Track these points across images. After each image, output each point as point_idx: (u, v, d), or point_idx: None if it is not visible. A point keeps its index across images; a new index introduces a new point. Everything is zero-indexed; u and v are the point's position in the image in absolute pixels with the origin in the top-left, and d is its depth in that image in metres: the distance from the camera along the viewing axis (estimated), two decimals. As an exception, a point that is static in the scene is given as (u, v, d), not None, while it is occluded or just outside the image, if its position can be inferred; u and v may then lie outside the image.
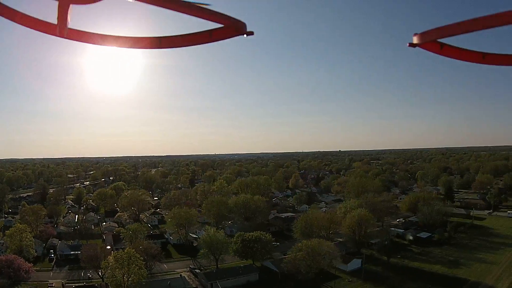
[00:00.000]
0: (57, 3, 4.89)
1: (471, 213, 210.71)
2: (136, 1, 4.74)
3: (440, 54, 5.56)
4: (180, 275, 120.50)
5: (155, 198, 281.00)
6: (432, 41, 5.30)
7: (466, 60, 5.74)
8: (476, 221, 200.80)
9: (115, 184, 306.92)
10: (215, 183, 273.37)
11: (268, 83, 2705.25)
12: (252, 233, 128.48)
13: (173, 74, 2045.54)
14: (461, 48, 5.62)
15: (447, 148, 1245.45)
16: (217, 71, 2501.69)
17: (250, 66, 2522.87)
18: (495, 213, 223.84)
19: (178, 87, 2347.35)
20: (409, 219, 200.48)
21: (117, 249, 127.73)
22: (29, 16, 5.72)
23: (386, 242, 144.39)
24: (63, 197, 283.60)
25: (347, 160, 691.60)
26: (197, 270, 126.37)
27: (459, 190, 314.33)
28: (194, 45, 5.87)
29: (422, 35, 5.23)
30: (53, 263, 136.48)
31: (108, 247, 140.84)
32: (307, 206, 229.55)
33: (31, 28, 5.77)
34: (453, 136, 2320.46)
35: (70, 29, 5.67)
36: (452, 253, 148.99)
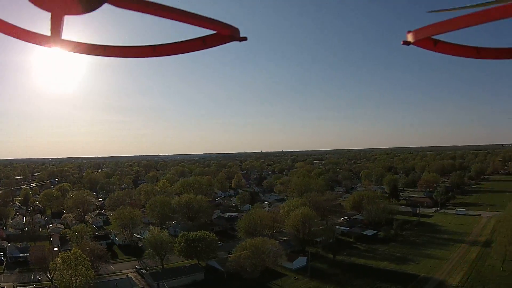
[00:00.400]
0: (49, 14, 5.07)
1: (418, 211, 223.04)
2: (129, 10, 5.04)
3: (434, 50, 5.81)
4: (127, 275, 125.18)
5: (99, 199, 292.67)
6: (426, 38, 5.53)
7: (460, 56, 5.97)
8: (423, 218, 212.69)
9: (60, 185, 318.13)
10: (158, 183, 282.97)
11: (210, 85, 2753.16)
12: (195, 233, 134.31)
13: (116, 74, 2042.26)
14: (455, 44, 5.91)
15: (391, 148, 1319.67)
16: (158, 71, 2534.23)
17: (192, 67, 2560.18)
18: (442, 210, 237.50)
19: (122, 87, 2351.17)
20: (354, 217, 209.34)
21: (64, 250, 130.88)
22: (21, 28, 5.88)
23: (331, 240, 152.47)
24: (11, 199, 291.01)
25: (290, 160, 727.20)
26: (143, 271, 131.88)
27: (404, 188, 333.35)
28: (188, 52, 6.14)
29: (416, 33, 5.48)
30: (3, 266, 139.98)
31: (56, 248, 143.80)
32: (250, 205, 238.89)
33: (23, 40, 5.92)
34: (398, 137, 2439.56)
35: (64, 40, 5.80)
36: (399, 250, 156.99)
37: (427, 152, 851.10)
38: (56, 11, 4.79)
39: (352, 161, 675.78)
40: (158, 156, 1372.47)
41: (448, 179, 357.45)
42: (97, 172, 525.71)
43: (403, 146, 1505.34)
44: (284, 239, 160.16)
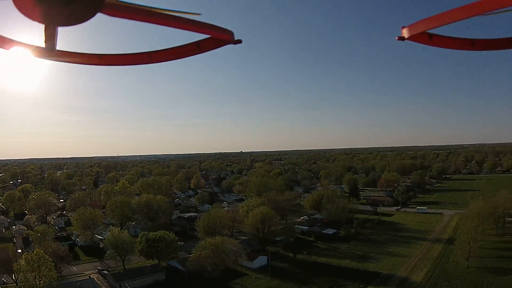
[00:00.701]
0: (43, 26, 4.95)
1: (378, 210, 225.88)
2: (123, 19, 4.98)
3: (429, 44, 5.85)
4: (89, 276, 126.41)
5: (61, 200, 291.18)
6: (421, 33, 5.53)
7: (455, 48, 6.05)
8: (384, 217, 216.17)
9: (22, 186, 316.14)
10: (118, 184, 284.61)
11: (168, 85, 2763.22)
12: (156, 233, 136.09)
13: (77, 74, 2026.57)
14: (450, 37, 5.96)
15: (351, 149, 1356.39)
16: (117, 72, 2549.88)
17: (150, 68, 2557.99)
18: (403, 209, 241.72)
19: (82, 88, 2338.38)
20: (314, 216, 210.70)
21: (27, 251, 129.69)
22: (15, 40, 5.84)
23: (291, 239, 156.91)
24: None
25: (249, 160, 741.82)
26: (105, 272, 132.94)
27: (364, 188, 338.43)
28: (184, 57, 6.18)
29: (411, 28, 5.49)
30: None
31: (19, 250, 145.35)
32: (209, 205, 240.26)
33: (18, 52, 5.83)
34: (358, 138, 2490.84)
35: (59, 50, 5.75)
36: (361, 248, 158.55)
37: (388, 153, 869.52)
38: (49, 22, 4.87)
39: (312, 161, 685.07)
40: (118, 157, 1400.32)
41: (409, 178, 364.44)
42: (59, 173, 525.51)
43: (363, 147, 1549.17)
44: (244, 239, 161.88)
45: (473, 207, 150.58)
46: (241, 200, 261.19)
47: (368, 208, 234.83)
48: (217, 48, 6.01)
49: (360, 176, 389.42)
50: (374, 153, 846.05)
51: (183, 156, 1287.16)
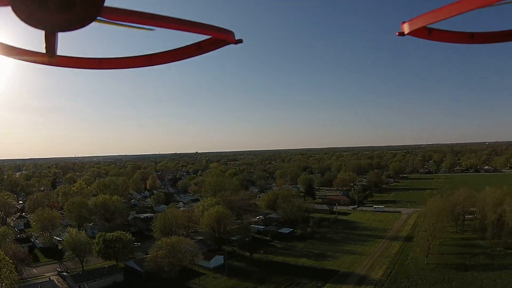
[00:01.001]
0: (43, 32, 5.09)
1: (334, 209, 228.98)
2: (122, 23, 5.15)
3: (429, 39, 5.94)
4: (49, 278, 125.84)
5: (20, 202, 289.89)
6: (421, 28, 5.60)
7: (455, 42, 6.11)
8: (341, 216, 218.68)
9: None
10: (75, 184, 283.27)
11: (125, 85, 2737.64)
12: (112, 233, 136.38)
13: (35, 73, 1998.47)
14: (449, 31, 6.04)
15: (307, 149, 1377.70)
16: (75, 71, 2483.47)
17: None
18: (360, 208, 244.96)
19: (40, 88, 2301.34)
20: (269, 216, 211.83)
21: None
22: (16, 47, 5.93)
23: (248, 239, 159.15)
24: None
25: (204, 161, 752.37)
26: (64, 273, 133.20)
27: (320, 188, 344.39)
28: (184, 59, 6.25)
29: (411, 23, 5.60)
30: None
31: None
32: (165, 206, 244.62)
33: (19, 59, 5.99)
34: (313, 138, 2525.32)
35: (59, 56, 5.93)
36: (318, 247, 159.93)
37: (343, 153, 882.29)
38: (49, 28, 4.99)
39: (267, 162, 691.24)
40: (76, 157, 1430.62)
41: (365, 178, 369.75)
42: (17, 174, 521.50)
43: (319, 147, 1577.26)
44: (200, 239, 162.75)
45: (431, 205, 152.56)
46: (197, 200, 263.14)
47: (324, 207, 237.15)
48: (218, 48, 6.06)
49: (315, 176, 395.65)
50: (330, 154, 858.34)
51: (139, 157, 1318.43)
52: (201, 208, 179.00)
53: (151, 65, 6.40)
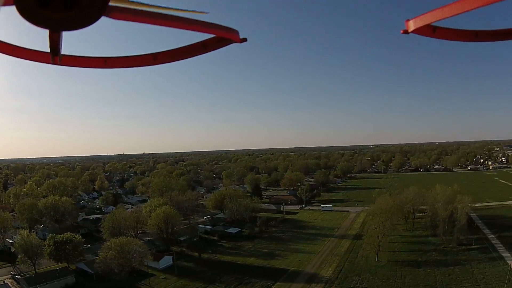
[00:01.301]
0: (47, 31, 4.87)
1: (282, 208, 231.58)
2: (125, 20, 5.03)
3: (433, 37, 5.84)
4: (4, 282, 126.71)
5: None
6: (425, 26, 5.51)
7: (459, 40, 6.02)
8: (288, 215, 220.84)
9: None
10: (26, 186, 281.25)
11: (75, 85, 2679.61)
12: (62, 235, 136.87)
13: None
14: (453, 29, 5.94)
15: (253, 150, 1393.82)
16: (26, 70, 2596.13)
17: (57, 68, 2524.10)
18: (307, 207, 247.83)
19: None
20: (217, 216, 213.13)
21: None
22: (21, 47, 5.91)
23: (196, 239, 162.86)
24: None
25: (151, 162, 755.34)
26: (18, 276, 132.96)
27: (267, 188, 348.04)
28: (189, 57, 6.19)
29: (416, 21, 5.49)
30: None
31: None
32: (113, 207, 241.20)
33: (24, 58, 5.97)
34: (261, 138, 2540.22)
35: (64, 55, 5.84)
36: (266, 246, 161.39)
37: (290, 153, 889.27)
38: (53, 27, 4.80)
39: (214, 162, 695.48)
40: (26, 159, 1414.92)
41: (312, 177, 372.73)
42: None
43: (266, 148, 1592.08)
44: (149, 239, 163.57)
45: (380, 203, 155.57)
46: (144, 201, 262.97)
47: (272, 207, 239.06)
48: (222, 47, 5.98)
49: (262, 176, 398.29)
50: (277, 154, 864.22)
51: (88, 158, 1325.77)
52: (149, 209, 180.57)
53: (156, 64, 6.32)
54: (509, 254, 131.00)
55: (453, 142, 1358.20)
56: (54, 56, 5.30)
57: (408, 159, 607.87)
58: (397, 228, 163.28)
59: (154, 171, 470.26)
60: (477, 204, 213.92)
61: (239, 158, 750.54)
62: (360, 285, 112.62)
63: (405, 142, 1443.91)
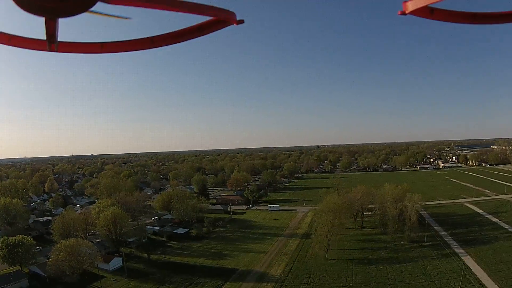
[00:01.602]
0: (43, 19, 5.22)
1: (229, 209, 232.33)
2: (121, 5, 5.31)
3: (431, 18, 5.97)
4: None
5: None
6: (423, 7, 5.67)
7: (457, 22, 6.19)
8: (235, 215, 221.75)
9: None
10: None
11: (23, 85, 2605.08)
12: (15, 237, 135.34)
13: None
14: (452, 10, 6.08)
15: (200, 151, 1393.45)
16: None
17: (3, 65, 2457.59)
18: (255, 207, 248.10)
19: None
20: (164, 217, 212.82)
21: None
22: (17, 36, 6.14)
23: (144, 240, 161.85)
24: None
25: (100, 163, 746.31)
26: None
27: (214, 188, 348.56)
28: (186, 40, 6.32)
29: (413, 2, 5.64)
30: None
31: None
32: (63, 209, 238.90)
33: (20, 47, 6.23)
34: (207, 139, 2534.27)
35: (61, 42, 6.07)
36: (214, 246, 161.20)
37: (237, 154, 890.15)
38: (49, 15, 5.23)
39: (160, 163, 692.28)
40: None
41: (259, 178, 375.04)
42: None
43: (212, 149, 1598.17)
44: (98, 241, 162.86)
45: (328, 202, 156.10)
46: (93, 202, 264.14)
47: (219, 207, 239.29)
48: (219, 29, 6.09)
49: (209, 176, 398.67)
50: (223, 155, 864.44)
51: (38, 159, 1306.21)
52: (97, 210, 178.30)
53: (154, 47, 6.37)
54: (463, 250, 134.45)
55: (402, 142, 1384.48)
56: (50, 43, 5.62)
57: (356, 159, 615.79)
58: (346, 227, 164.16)
59: (102, 172, 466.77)
60: (428, 203, 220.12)
61: (185, 159, 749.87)
62: (311, 283, 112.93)
63: (353, 143, 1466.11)
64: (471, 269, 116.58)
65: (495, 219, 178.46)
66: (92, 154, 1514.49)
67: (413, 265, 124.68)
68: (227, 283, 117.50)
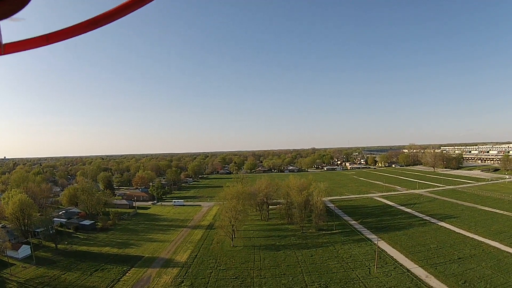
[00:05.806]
0: None
1: (134, 204, 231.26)
2: None
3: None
4: None
5: None
6: None
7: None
8: (141, 210, 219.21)
9: None
10: None
11: None
12: None
13: None
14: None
15: (108, 156, 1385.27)
16: None
17: None
18: (159, 203, 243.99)
19: None
20: (71, 210, 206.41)
21: None
22: None
23: (52, 231, 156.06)
24: None
25: (12, 164, 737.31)
26: None
27: (120, 187, 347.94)
28: (130, 12, 5.74)
29: None
30: None
31: None
32: None
33: None
34: (113, 145, 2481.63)
35: (6, 43, 5.74)
36: (120, 237, 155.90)
37: (143, 157, 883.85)
38: None
39: (69, 165, 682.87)
40: None
41: (164, 178, 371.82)
42: None
43: (118, 154, 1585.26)
44: (8, 231, 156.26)
45: (230, 189, 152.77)
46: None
47: (124, 202, 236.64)
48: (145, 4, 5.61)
49: (115, 176, 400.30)
50: (128, 158, 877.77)
51: None
52: (7, 200, 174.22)
53: (100, 26, 5.76)
54: (375, 236, 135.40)
55: (308, 148, 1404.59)
56: None
57: (261, 162, 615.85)
58: (251, 218, 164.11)
59: (14, 170, 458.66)
60: (336, 197, 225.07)
61: (92, 161, 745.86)
62: (218, 267, 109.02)
63: (261, 149, 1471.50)
64: (386, 252, 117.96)
65: (408, 210, 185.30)
66: (4, 157, 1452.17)
67: (323, 249, 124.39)
68: (133, 268, 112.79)
